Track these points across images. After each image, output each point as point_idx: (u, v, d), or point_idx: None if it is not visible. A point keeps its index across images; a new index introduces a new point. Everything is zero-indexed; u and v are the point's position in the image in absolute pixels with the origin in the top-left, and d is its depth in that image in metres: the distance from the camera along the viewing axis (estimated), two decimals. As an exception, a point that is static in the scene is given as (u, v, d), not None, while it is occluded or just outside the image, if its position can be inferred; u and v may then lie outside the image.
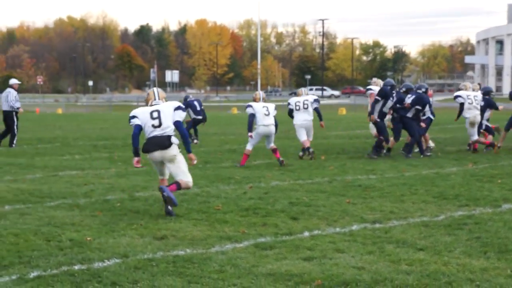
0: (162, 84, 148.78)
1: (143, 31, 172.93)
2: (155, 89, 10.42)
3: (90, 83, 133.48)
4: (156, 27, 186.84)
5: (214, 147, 21.12)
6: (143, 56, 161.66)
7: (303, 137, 17.79)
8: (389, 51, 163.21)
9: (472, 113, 18.75)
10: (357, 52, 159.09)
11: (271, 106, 16.40)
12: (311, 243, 8.12)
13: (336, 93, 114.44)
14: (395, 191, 12.15)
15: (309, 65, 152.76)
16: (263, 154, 18.54)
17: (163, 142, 9.97)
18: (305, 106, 17.75)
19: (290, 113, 18.03)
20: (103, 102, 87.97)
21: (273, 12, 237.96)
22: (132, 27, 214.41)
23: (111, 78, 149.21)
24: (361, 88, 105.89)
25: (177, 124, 10.12)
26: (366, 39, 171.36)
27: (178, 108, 10.17)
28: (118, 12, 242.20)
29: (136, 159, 10.26)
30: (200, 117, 23.78)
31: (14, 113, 21.71)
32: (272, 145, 16.49)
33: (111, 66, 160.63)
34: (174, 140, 10.04)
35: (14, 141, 21.57)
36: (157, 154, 10.05)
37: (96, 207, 10.52)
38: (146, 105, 10.36)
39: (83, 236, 8.42)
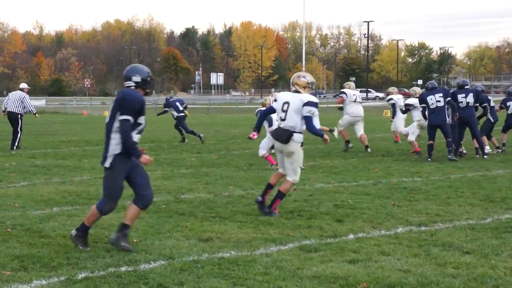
0: (207, 87, 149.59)
1: (189, 33, 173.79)
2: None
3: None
4: (201, 29, 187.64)
5: (258, 150, 21.09)
6: (188, 59, 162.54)
7: None
8: (435, 53, 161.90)
9: None
10: (402, 54, 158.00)
11: None
12: (356, 246, 8.10)
13: (381, 95, 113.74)
14: (441, 193, 12.06)
15: (353, 67, 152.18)
16: (306, 156, 18.52)
17: (282, 136, 10.07)
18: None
19: None
20: (149, 105, 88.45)
21: (318, 14, 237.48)
22: (178, 30, 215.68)
23: (157, 80, 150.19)
24: (406, 90, 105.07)
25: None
26: (411, 41, 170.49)
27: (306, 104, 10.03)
28: (164, 15, 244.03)
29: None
30: (182, 114, 24.58)
31: (20, 115, 21.80)
32: None
33: (157, 69, 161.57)
34: (297, 137, 10.02)
35: (16, 143, 21.50)
36: (277, 145, 10.29)
37: (142, 209, 10.60)
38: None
39: (130, 238, 8.49)
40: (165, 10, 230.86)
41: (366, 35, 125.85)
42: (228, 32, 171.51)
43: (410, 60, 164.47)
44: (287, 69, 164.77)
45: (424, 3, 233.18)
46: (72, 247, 8.02)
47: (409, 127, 19.58)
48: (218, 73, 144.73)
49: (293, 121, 9.99)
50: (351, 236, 8.67)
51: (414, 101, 19.21)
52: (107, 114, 7.70)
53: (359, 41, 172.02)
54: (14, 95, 22.22)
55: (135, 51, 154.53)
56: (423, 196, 11.83)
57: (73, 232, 8.10)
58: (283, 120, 10.10)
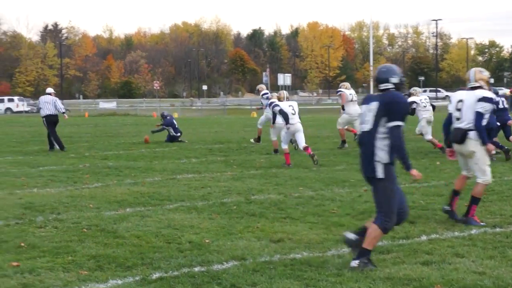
0: (275, 88, 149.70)
1: (256, 35, 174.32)
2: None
3: (204, 87, 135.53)
4: (268, 30, 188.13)
5: (327, 150, 21.08)
6: (255, 60, 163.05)
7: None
8: (506, 51, 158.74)
9: None
10: (472, 52, 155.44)
11: (296, 105, 17.48)
12: (429, 247, 8.02)
13: (451, 94, 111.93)
14: (516, 194, 11.84)
15: (422, 66, 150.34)
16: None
17: (457, 136, 9.63)
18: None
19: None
20: (217, 106, 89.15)
21: (385, 13, 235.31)
22: (245, 31, 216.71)
23: (225, 82, 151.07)
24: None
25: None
26: (481, 39, 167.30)
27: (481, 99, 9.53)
28: (231, 17, 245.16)
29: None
30: (179, 134, 25.55)
31: (56, 118, 22.74)
32: (304, 144, 17.11)
33: (225, 70, 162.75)
34: (473, 135, 9.49)
35: (56, 144, 22.42)
36: (456, 147, 9.79)
37: (213, 210, 10.71)
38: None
39: (202, 238, 8.58)
40: (232, 11, 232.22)
41: (435, 34, 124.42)
42: (295, 33, 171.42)
43: (480, 58, 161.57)
44: (354, 69, 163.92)
45: (494, 0, 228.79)
46: (145, 247, 8.14)
47: (419, 127, 20.07)
48: (286, 74, 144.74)
49: (468, 118, 9.52)
50: (424, 237, 8.59)
51: (415, 99, 19.89)
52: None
53: (427, 40, 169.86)
54: (47, 99, 22.99)
55: (202, 53, 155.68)
56: (497, 197, 11.63)
57: (354, 263, 7.18)
58: (459, 119, 9.66)
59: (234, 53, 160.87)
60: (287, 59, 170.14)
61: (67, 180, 14.59)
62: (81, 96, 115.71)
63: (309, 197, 11.83)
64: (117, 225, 9.52)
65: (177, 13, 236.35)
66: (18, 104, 76.41)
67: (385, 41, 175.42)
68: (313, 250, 7.99)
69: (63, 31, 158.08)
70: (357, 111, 20.76)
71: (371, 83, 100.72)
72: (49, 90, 23.86)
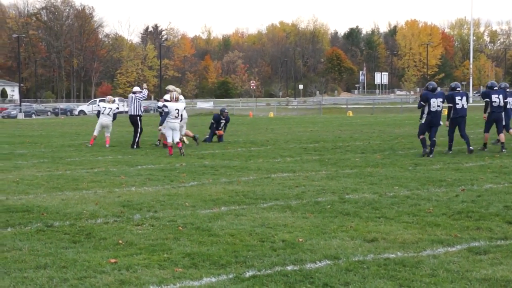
0: (371, 86, 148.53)
1: (353, 33, 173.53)
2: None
3: (300, 86, 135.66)
4: (365, 29, 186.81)
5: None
6: (352, 59, 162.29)
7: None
8: None
9: None
10: None
11: None
12: (528, 249, 7.80)
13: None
14: None
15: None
16: (475, 156, 18.05)
17: None
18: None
19: None
20: (313, 105, 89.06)
21: (487, 10, 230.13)
22: (342, 30, 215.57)
23: (321, 81, 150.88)
24: None
25: None
26: None
27: None
28: (328, 16, 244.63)
29: None
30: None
31: (138, 117, 23.92)
32: None
33: (321, 69, 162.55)
34: None
35: (136, 143, 23.73)
36: None
37: (307, 209, 10.69)
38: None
39: (295, 237, 8.58)
40: (329, 10, 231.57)
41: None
42: (393, 31, 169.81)
43: None
44: (453, 67, 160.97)
45: None
46: (239, 246, 8.20)
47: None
48: (383, 73, 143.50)
49: None
50: (523, 238, 8.36)
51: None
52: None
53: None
54: (130, 99, 24.19)
55: (299, 52, 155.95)
56: None
57: None
58: None
59: (330, 52, 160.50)
60: (384, 58, 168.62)
61: (164, 178, 14.85)
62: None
63: (404, 197, 11.68)
64: (212, 224, 9.62)
65: (274, 13, 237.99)
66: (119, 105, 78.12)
67: (486, 38, 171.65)
68: (407, 250, 7.88)
69: (163, 32, 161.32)
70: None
71: (471, 81, 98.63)
72: (136, 88, 24.68)
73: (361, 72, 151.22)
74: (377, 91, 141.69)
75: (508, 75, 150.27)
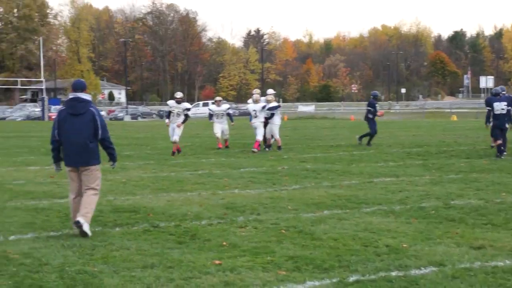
0: (476, 90, 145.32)
1: (457, 37, 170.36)
2: None
3: (403, 90, 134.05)
4: (470, 32, 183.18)
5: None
6: (456, 62, 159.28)
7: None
8: None
9: None
10: None
11: None
12: None
13: None
14: None
15: None
16: None
17: None
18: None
19: None
20: (415, 109, 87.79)
21: None
22: (446, 33, 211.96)
23: (424, 85, 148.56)
24: None
25: None
26: None
27: None
28: (432, 19, 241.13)
29: None
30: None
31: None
32: None
33: (424, 73, 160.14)
34: None
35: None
36: None
37: (411, 214, 10.56)
38: None
39: (399, 243, 8.49)
40: (432, 13, 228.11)
41: None
42: (499, 34, 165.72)
43: None
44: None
45: None
46: (342, 250, 8.17)
47: None
48: (488, 77, 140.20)
49: None
50: None
51: None
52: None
53: None
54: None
55: (401, 55, 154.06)
56: None
57: None
58: None
59: (434, 56, 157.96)
60: (489, 61, 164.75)
61: (267, 181, 14.93)
62: (280, 100, 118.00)
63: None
64: (315, 227, 9.62)
65: (376, 17, 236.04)
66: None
67: None
68: (516, 258, 7.68)
69: (265, 36, 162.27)
70: None
71: None
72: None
73: (465, 76, 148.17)
74: (482, 95, 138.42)
75: None
